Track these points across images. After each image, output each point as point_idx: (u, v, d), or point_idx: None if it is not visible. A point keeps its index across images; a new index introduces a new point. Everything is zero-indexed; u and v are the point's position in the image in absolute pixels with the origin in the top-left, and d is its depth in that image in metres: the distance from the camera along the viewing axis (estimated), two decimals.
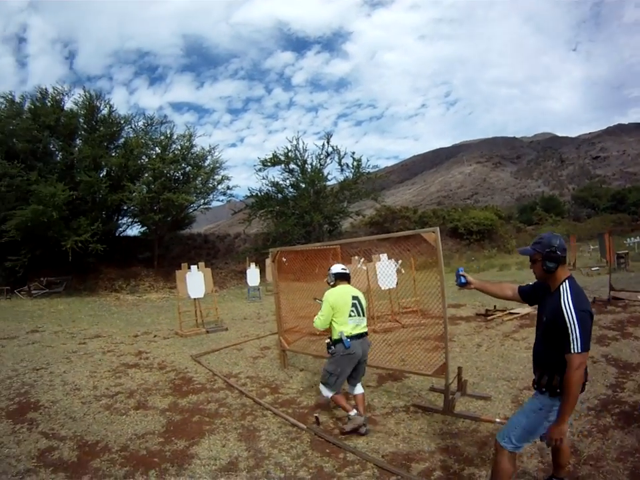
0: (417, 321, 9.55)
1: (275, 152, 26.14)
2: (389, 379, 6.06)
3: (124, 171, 19.92)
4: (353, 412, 4.34)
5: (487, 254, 29.12)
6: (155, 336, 9.95)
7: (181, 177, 22.13)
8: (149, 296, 18.25)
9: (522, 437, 2.73)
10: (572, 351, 2.43)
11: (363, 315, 4.53)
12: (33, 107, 19.74)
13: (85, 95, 20.70)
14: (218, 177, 22.89)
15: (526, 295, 3.05)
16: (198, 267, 10.72)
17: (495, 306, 10.10)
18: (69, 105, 20.83)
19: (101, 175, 19.99)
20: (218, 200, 23.47)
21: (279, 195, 26.92)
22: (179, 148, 21.83)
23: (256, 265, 17.40)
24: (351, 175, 26.93)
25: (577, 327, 2.43)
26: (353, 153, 26.92)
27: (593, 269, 17.07)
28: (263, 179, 26.66)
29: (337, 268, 4.68)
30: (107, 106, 21.56)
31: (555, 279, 2.70)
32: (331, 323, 4.45)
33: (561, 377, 2.51)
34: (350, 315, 4.39)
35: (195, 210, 23.72)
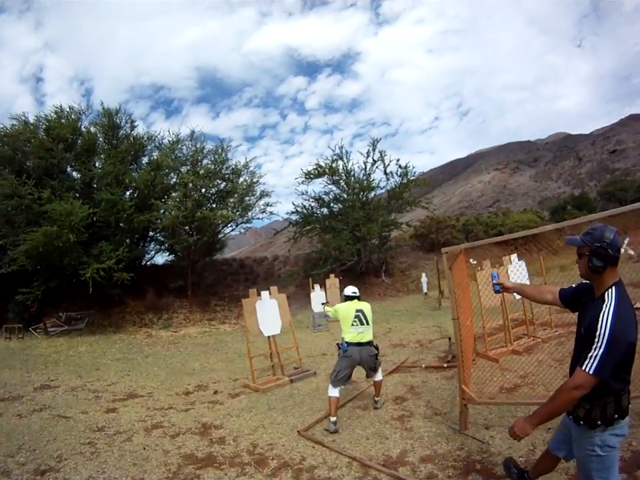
0: (554, 332, 8.32)
1: (318, 162, 23.49)
2: None
3: (151, 190, 17.20)
4: (333, 419, 4.85)
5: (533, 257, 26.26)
6: (215, 392, 6.82)
7: (216, 194, 19.40)
8: (187, 331, 15.18)
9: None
10: (583, 366, 2.12)
11: (367, 324, 5.39)
12: (47, 123, 17.35)
13: (105, 111, 18.29)
14: (256, 194, 20.05)
15: (566, 299, 2.60)
16: (270, 293, 7.67)
17: None
18: (86, 123, 18.56)
19: (126, 194, 17.36)
20: (257, 218, 20.44)
21: (324, 210, 24.20)
22: (211, 162, 19.17)
23: (321, 288, 14.33)
24: (398, 183, 23.97)
25: (603, 346, 2.07)
26: (398, 160, 24.12)
27: None
28: (303, 194, 24.04)
29: (347, 291, 5.75)
30: (129, 121, 19.12)
31: (601, 282, 2.27)
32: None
33: (603, 406, 2.19)
34: (352, 324, 5.31)
35: (233, 230, 20.79)
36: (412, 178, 23.98)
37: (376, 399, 5.50)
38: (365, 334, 5.31)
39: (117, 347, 12.46)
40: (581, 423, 2.29)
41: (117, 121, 18.58)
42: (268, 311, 7.38)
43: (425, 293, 20.82)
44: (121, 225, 16.69)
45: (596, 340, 2.10)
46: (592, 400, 2.22)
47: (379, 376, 5.52)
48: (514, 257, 8.35)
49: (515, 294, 3.08)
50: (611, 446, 2.24)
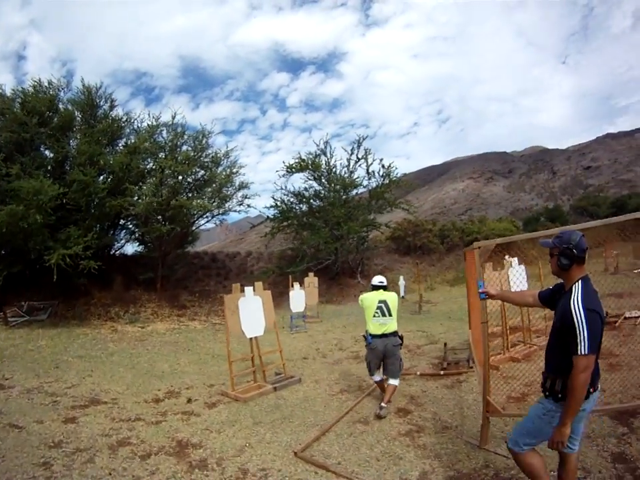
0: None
1: (300, 156, 22.77)
2: None
3: (126, 173, 16.05)
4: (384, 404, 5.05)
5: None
6: (189, 400, 6.06)
7: (193, 183, 18.36)
8: (155, 327, 14.20)
9: (529, 441, 2.67)
10: (578, 352, 2.33)
11: (390, 316, 5.32)
12: (23, 97, 16.08)
13: (84, 87, 17.07)
14: (235, 185, 19.03)
15: (545, 299, 2.93)
16: (254, 290, 6.88)
17: None
18: (64, 99, 17.23)
19: (100, 178, 16.20)
20: (235, 210, 19.40)
21: (302, 206, 23.45)
22: (191, 149, 18.12)
23: (301, 286, 13.65)
24: (380, 183, 23.46)
25: (584, 327, 2.33)
26: (382, 160, 23.66)
27: (635, 271, 16.69)
28: (282, 188, 23.23)
29: (375, 280, 5.61)
30: (109, 101, 17.91)
31: (569, 278, 2.61)
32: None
33: (564, 381, 2.44)
34: (374, 316, 5.30)
35: (208, 221, 19.74)
36: (394, 178, 23.48)
37: (382, 405, 5.09)
38: (388, 325, 5.30)
39: (80, 341, 11.45)
40: (547, 394, 2.58)
41: (97, 100, 17.44)
42: (252, 309, 6.63)
43: (403, 297, 20.34)
44: (91, 209, 15.52)
45: (577, 325, 2.33)
46: (556, 375, 2.54)
47: (394, 380, 5.34)
48: (515, 260, 7.90)
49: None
50: (555, 420, 2.50)
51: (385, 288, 5.55)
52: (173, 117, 17.69)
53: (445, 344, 7.99)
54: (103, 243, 16.45)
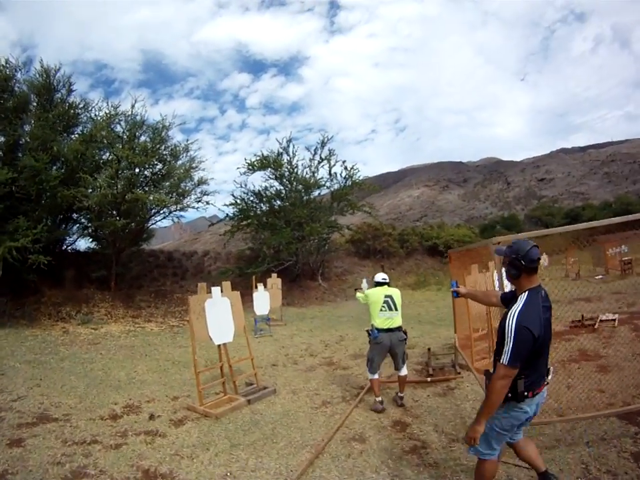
0: None
1: (262, 153, 21.74)
2: None
3: (80, 162, 14.75)
4: (379, 398, 5.20)
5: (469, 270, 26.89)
6: (151, 417, 5.26)
7: (150, 177, 17.04)
8: (109, 328, 13.00)
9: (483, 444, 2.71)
10: (500, 361, 2.46)
11: (396, 310, 5.34)
12: None
13: (42, 69, 15.52)
14: (194, 180, 17.66)
15: (505, 301, 2.98)
16: (222, 290, 6.14)
17: None
18: (21, 80, 15.64)
19: (53, 167, 14.80)
20: (193, 207, 18.14)
21: (262, 206, 22.53)
22: (150, 140, 16.78)
23: (269, 288, 12.92)
24: (343, 185, 22.82)
25: (511, 340, 2.43)
26: (344, 162, 22.94)
27: (597, 277, 17.35)
28: (241, 186, 22.10)
29: (378, 277, 5.65)
30: (67, 85, 16.36)
31: (519, 287, 2.69)
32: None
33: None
34: (381, 310, 5.28)
35: (164, 217, 18.35)
36: (357, 181, 23.00)
37: (400, 394, 5.38)
38: (394, 319, 5.33)
39: (29, 344, 10.28)
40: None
41: (54, 83, 15.91)
42: (219, 312, 5.92)
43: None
44: (42, 199, 14.15)
45: (506, 336, 2.45)
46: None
47: (404, 370, 5.45)
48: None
49: None
50: (501, 420, 2.64)
51: (388, 284, 5.59)
52: (133, 106, 16.46)
53: (429, 349, 7.64)
54: (54, 236, 15.08)
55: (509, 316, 2.50)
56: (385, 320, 5.27)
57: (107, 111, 16.07)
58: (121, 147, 15.19)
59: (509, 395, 2.54)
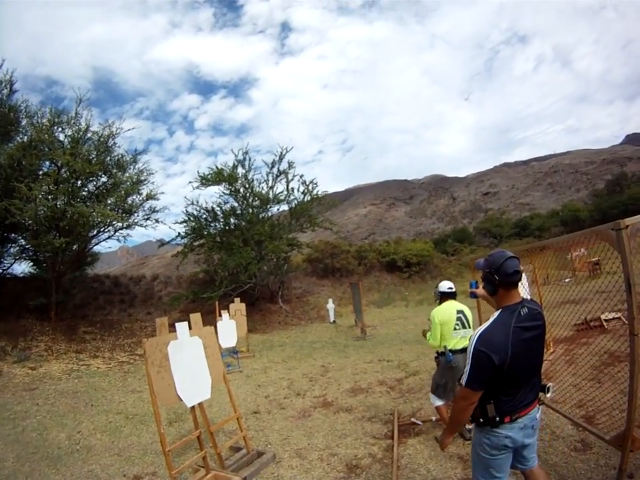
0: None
1: (217, 167, 20.14)
2: None
3: (17, 171, 12.88)
4: None
5: (430, 284, 27.08)
6: None
7: (94, 190, 15.19)
8: (49, 367, 10.82)
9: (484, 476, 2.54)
10: (461, 381, 2.37)
11: (469, 327, 4.66)
12: None
13: None
14: (142, 194, 15.85)
15: None
16: (190, 326, 4.47)
17: None
18: None
19: None
20: (140, 225, 16.31)
21: (216, 224, 20.81)
22: (94, 147, 14.91)
23: (232, 316, 11.21)
24: (301, 200, 21.61)
25: (469, 362, 2.31)
26: (302, 176, 21.80)
27: (565, 280, 16.04)
28: (192, 204, 20.28)
29: (443, 287, 4.85)
30: (8, 86, 14.62)
31: (497, 303, 2.53)
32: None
33: (479, 407, 2.39)
34: (455, 329, 4.59)
35: (110, 236, 16.25)
36: (315, 196, 21.81)
37: (468, 427, 4.44)
38: (468, 337, 4.52)
39: None
40: (470, 419, 2.48)
41: None
42: (190, 360, 4.22)
43: (334, 321, 18.66)
44: None
45: (468, 357, 2.33)
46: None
47: None
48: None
49: None
50: (484, 446, 2.44)
51: (455, 295, 4.89)
52: (76, 112, 14.64)
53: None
54: None
55: (473, 337, 2.34)
56: (459, 340, 4.58)
57: (50, 117, 14.21)
58: (63, 153, 13.25)
59: (481, 420, 2.40)
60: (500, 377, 2.29)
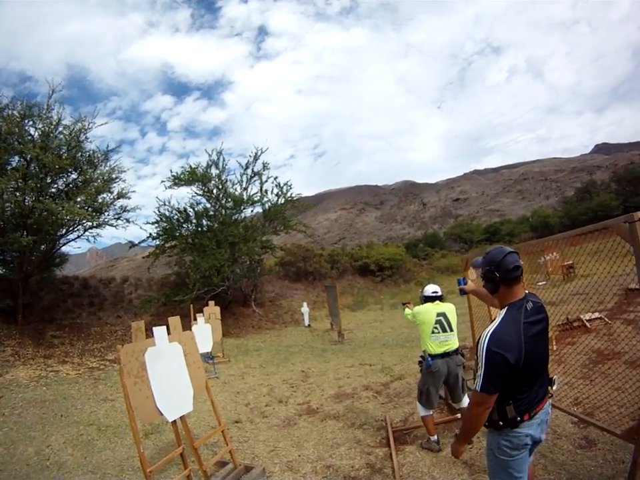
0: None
1: (191, 166, 19.60)
2: None
3: None
4: (434, 437, 4.33)
5: (403, 288, 28.51)
6: None
7: (63, 187, 14.43)
8: (15, 374, 10.12)
9: None
10: (474, 387, 2.26)
11: (451, 331, 4.49)
12: None
13: None
14: (114, 193, 15.25)
15: None
16: (169, 331, 4.03)
17: None
18: None
19: None
20: (111, 225, 15.71)
21: (189, 226, 20.23)
22: (65, 142, 14.08)
23: (206, 320, 10.77)
24: (275, 202, 21.27)
25: (483, 365, 2.19)
26: (276, 178, 21.47)
27: (539, 283, 16.45)
28: (164, 204, 19.60)
29: (428, 291, 4.70)
30: None
31: (500, 301, 2.42)
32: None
33: (497, 410, 2.29)
34: (433, 332, 4.43)
35: (80, 236, 15.58)
36: (290, 198, 21.56)
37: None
38: (449, 342, 4.50)
39: None
40: (486, 425, 2.36)
41: None
42: (169, 369, 3.80)
43: (309, 325, 18.45)
44: None
45: (479, 360, 2.21)
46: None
47: (466, 400, 4.52)
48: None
49: None
50: (504, 449, 2.31)
51: (440, 298, 4.69)
52: (49, 99, 13.94)
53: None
54: None
55: (482, 336, 2.24)
56: (439, 344, 4.44)
57: (21, 109, 13.52)
58: (33, 147, 12.60)
59: (500, 423, 2.28)
60: (515, 376, 2.21)
